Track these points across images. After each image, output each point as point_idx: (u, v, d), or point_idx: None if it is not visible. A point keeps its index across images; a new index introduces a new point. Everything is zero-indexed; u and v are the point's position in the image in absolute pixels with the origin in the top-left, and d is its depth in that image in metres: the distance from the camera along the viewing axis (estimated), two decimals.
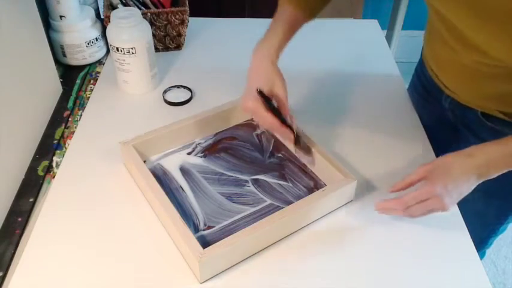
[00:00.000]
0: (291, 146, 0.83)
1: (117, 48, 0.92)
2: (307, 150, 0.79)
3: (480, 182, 0.66)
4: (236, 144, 0.87)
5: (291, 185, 0.79)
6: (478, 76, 0.76)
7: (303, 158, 0.81)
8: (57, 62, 1.05)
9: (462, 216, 0.75)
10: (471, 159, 0.66)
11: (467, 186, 0.66)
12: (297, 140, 0.78)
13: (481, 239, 1.02)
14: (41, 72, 0.93)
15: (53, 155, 0.86)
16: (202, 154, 0.84)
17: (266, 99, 0.74)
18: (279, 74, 0.76)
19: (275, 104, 0.76)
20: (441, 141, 0.95)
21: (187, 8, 1.07)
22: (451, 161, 0.67)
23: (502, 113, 0.79)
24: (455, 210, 0.76)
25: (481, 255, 1.11)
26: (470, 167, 0.65)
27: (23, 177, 0.81)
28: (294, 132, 0.76)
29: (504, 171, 0.67)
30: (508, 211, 0.93)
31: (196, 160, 0.83)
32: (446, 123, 0.94)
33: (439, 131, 0.96)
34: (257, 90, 0.74)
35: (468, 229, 0.74)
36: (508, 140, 0.66)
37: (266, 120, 0.74)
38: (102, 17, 1.16)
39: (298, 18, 0.81)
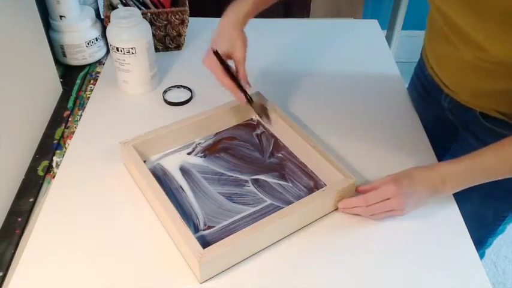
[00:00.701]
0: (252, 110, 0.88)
1: (117, 48, 0.92)
2: (264, 111, 0.85)
3: (437, 195, 0.71)
4: (236, 144, 0.87)
5: (291, 185, 0.79)
6: (478, 73, 0.76)
7: (262, 119, 0.87)
8: (57, 62, 1.05)
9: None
10: (429, 172, 0.70)
11: (424, 196, 0.71)
12: (249, 102, 0.83)
13: (480, 240, 1.02)
14: (41, 72, 0.93)
15: (53, 155, 0.86)
16: (202, 154, 0.84)
17: (222, 60, 0.79)
18: (240, 38, 0.81)
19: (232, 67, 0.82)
20: (441, 141, 0.95)
21: (187, 8, 1.07)
22: (412, 171, 0.71)
23: (500, 113, 0.79)
24: (455, 211, 0.76)
25: (481, 255, 1.11)
26: (428, 178, 0.70)
27: (23, 177, 0.81)
28: (246, 94, 0.82)
29: (464, 187, 0.70)
30: (505, 212, 0.93)
31: (196, 160, 0.83)
32: (446, 123, 0.94)
33: (439, 131, 0.96)
34: (212, 50, 0.79)
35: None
36: (464, 159, 0.69)
37: (221, 81, 0.81)
38: (102, 17, 1.16)
39: None
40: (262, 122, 0.86)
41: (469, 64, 0.76)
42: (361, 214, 0.73)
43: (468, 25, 0.70)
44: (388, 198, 0.69)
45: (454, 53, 0.78)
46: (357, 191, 0.74)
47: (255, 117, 0.92)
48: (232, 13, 0.82)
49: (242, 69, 0.81)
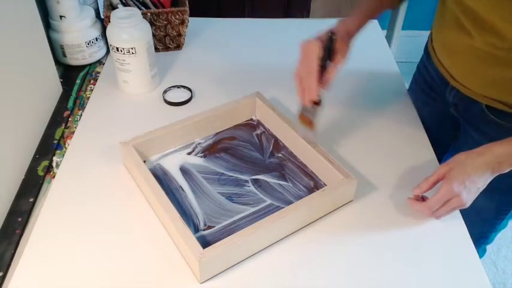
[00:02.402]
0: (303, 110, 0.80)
1: (117, 48, 0.92)
2: (311, 124, 0.78)
3: (495, 175, 0.70)
4: (236, 144, 0.87)
5: (291, 185, 0.79)
6: (490, 61, 0.76)
7: (305, 131, 0.80)
8: (57, 62, 1.05)
9: (462, 211, 0.75)
10: (482, 157, 0.70)
11: (483, 181, 0.70)
12: (316, 104, 0.76)
13: (482, 234, 1.02)
14: (41, 72, 0.93)
15: (53, 155, 0.86)
16: (202, 154, 0.84)
17: (328, 48, 0.71)
18: (349, 45, 0.77)
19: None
20: (442, 139, 0.95)
21: (187, 8, 1.07)
22: (464, 160, 0.70)
23: (507, 106, 0.79)
24: (455, 211, 0.76)
25: (482, 251, 1.11)
26: (483, 165, 0.69)
27: (23, 177, 0.81)
28: (318, 98, 0.74)
29: None
30: (508, 206, 0.93)
31: (196, 160, 0.83)
32: (448, 120, 0.94)
33: (440, 128, 0.96)
34: (331, 32, 0.72)
35: (467, 224, 0.74)
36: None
37: (308, 68, 0.73)
38: (102, 17, 1.16)
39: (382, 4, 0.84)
40: (305, 137, 0.80)
41: (481, 52, 0.76)
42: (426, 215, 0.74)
43: (482, 8, 0.70)
44: (449, 199, 0.69)
45: (466, 41, 0.77)
46: (416, 194, 0.74)
47: (255, 118, 0.92)
48: (345, 24, 0.78)
49: (335, 72, 0.75)
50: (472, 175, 0.69)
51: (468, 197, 0.70)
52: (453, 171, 0.70)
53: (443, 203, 0.70)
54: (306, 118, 0.79)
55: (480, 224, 0.97)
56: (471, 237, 0.73)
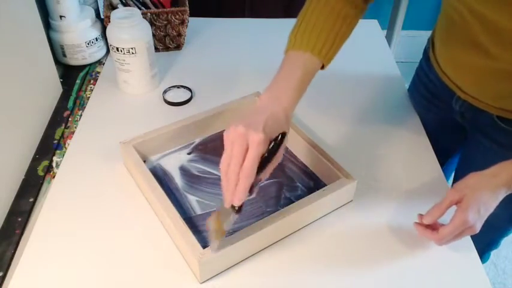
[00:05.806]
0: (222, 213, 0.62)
1: (117, 48, 0.92)
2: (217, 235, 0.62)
3: (509, 193, 0.67)
4: None
5: (291, 185, 0.79)
6: (506, 76, 0.73)
7: (214, 240, 0.63)
8: (57, 62, 1.05)
9: None
10: (496, 179, 0.66)
11: (496, 203, 0.66)
12: (234, 210, 0.60)
13: (492, 241, 1.00)
14: (41, 72, 0.93)
15: (53, 155, 0.86)
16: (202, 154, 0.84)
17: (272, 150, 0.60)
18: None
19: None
20: (444, 142, 0.94)
21: (187, 8, 1.07)
22: (478, 184, 0.66)
23: None
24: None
25: (487, 256, 1.10)
26: (498, 186, 0.66)
27: (23, 177, 0.81)
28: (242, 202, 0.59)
29: None
30: None
31: (196, 160, 0.83)
32: (452, 125, 0.92)
33: (443, 132, 0.95)
34: (283, 133, 0.61)
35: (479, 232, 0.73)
36: None
37: (250, 168, 0.57)
38: (102, 17, 1.16)
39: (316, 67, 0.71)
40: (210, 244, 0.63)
41: (498, 70, 0.73)
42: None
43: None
44: (462, 231, 0.66)
45: (483, 61, 0.74)
46: (427, 222, 0.67)
47: None
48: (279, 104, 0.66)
49: (270, 170, 0.62)
50: (488, 201, 0.65)
51: (480, 225, 0.66)
52: (467, 198, 0.65)
53: (456, 234, 0.66)
54: (220, 225, 0.62)
55: (491, 231, 0.94)
56: (480, 244, 0.71)
